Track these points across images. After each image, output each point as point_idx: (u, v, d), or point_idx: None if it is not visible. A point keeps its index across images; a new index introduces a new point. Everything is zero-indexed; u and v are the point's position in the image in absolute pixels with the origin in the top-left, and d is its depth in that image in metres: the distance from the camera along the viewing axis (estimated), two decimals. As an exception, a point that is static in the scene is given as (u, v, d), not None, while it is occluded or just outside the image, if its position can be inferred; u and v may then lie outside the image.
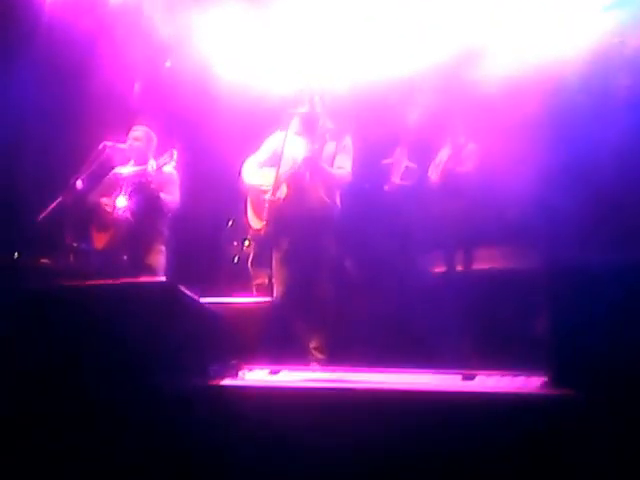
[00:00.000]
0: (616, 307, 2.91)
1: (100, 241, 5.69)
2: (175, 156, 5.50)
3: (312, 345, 4.94)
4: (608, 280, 2.97)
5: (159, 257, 5.66)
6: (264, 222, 5.08)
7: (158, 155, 5.68)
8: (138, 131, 5.84)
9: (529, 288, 4.51)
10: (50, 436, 3.38)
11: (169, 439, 3.22)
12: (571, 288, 3.05)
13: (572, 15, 5.29)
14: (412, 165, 6.06)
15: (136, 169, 5.74)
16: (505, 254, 5.44)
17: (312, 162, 5.01)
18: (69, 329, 3.52)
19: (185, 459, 3.21)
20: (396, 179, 6.09)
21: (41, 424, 3.40)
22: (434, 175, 5.86)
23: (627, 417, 2.77)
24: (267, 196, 5.08)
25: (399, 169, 6.14)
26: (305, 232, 5.01)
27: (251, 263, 5.52)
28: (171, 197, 5.66)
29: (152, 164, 5.60)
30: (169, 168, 5.60)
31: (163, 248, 5.69)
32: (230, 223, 6.45)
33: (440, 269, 5.77)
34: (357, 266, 5.79)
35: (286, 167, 5.09)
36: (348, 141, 5.19)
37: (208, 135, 6.20)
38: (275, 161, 5.15)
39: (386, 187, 6.15)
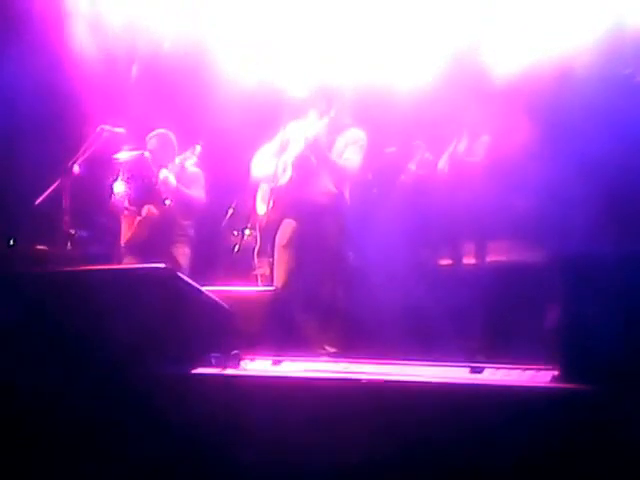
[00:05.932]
0: (628, 300, 2.87)
1: (125, 236, 5.69)
2: (197, 152, 5.47)
3: (321, 338, 4.83)
4: (620, 273, 2.92)
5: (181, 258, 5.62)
6: (269, 207, 5.01)
7: (180, 152, 5.64)
8: (153, 139, 5.77)
9: (539, 281, 4.46)
10: (51, 419, 3.33)
11: (170, 428, 3.17)
12: (582, 281, 3.01)
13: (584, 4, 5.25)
14: (429, 156, 6.04)
15: (133, 154, 5.68)
16: (515, 247, 5.41)
17: (315, 146, 4.91)
18: (68, 315, 3.47)
19: (185, 449, 3.16)
20: (412, 167, 6.08)
21: (42, 407, 3.35)
22: (444, 165, 5.83)
23: (638, 412, 2.72)
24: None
25: (417, 159, 6.13)
26: (308, 219, 4.92)
27: (257, 253, 5.44)
28: (197, 194, 5.61)
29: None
30: (191, 163, 5.56)
31: (188, 250, 5.65)
32: (230, 212, 6.37)
33: (448, 261, 5.74)
34: (360, 258, 5.72)
35: (293, 152, 5.02)
36: (362, 137, 5.10)
37: (209, 124, 6.13)
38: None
39: (403, 177, 6.13)
